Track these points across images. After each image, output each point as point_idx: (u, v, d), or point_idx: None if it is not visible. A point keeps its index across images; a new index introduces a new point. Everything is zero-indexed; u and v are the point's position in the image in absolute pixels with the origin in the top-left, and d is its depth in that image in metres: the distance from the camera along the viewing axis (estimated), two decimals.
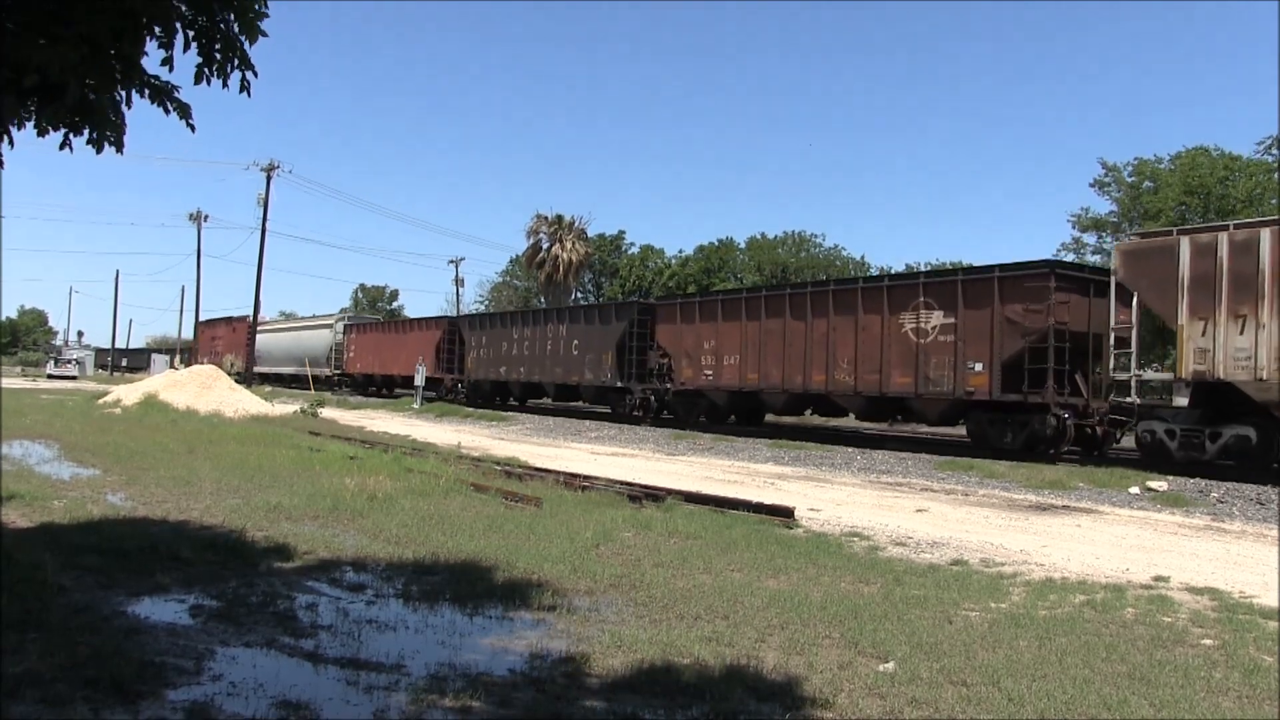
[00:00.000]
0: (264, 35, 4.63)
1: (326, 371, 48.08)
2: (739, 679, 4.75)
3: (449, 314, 55.55)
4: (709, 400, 25.04)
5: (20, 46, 4.15)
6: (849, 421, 26.43)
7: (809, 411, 25.35)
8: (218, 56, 4.53)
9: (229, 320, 64.23)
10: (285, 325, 58.28)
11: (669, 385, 26.15)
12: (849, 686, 4.72)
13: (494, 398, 35.51)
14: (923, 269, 38.97)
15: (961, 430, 23.51)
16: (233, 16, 4.52)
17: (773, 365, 22.33)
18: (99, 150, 4.70)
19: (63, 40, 4.16)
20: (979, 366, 17.96)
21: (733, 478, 15.17)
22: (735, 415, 25.46)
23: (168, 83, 4.73)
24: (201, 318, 68.36)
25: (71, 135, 4.64)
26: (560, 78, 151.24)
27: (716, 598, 6.51)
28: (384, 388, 44.35)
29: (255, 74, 4.67)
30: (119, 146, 4.71)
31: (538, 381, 32.14)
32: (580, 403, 33.65)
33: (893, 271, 39.19)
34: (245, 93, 4.69)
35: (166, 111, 4.71)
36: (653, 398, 27.07)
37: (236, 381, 50.10)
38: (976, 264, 22.43)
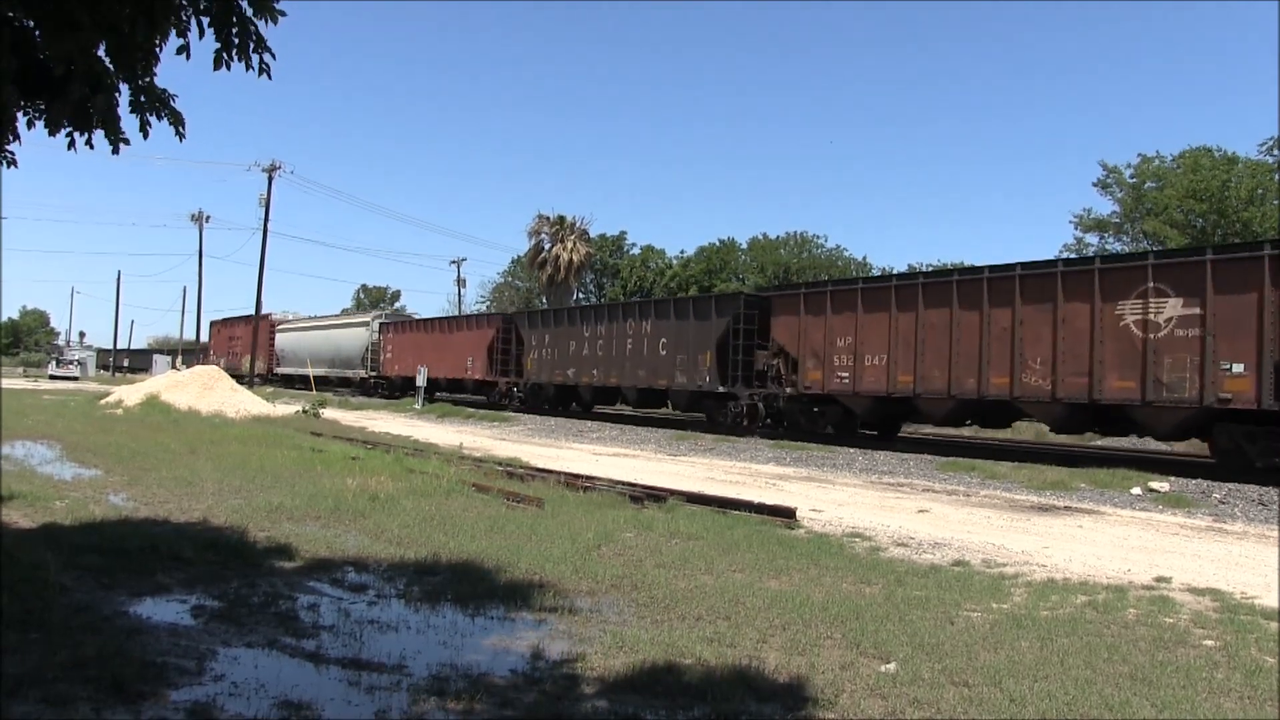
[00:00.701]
0: (283, 15, 4.62)
1: (360, 374, 44.34)
2: (741, 680, 4.75)
3: (503, 310, 50.36)
4: (842, 408, 21.10)
5: (44, 36, 4.16)
6: (1006, 434, 23.44)
7: (969, 423, 21.06)
8: (236, 41, 4.52)
9: (249, 319, 58.86)
10: (313, 324, 53.34)
11: (786, 390, 22.00)
12: (851, 687, 4.72)
13: (558, 404, 31.72)
14: (924, 269, 38.83)
15: (966, 431, 23.05)
16: (250, 6, 4.51)
17: (934, 365, 18.69)
18: (115, 150, 4.71)
19: (84, 29, 4.16)
20: (1239, 368, 14.52)
21: (734, 478, 15.17)
22: (873, 425, 21.75)
23: (164, 90, 4.74)
24: (216, 316, 64.50)
25: (77, 134, 4.65)
26: (562, 78, 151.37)
27: (718, 598, 6.51)
28: (426, 392, 40.91)
29: (274, 56, 4.67)
30: (115, 146, 4.72)
31: (614, 385, 28.19)
32: (667, 409, 29.54)
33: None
34: (266, 75, 4.69)
35: (159, 118, 4.71)
36: (761, 405, 22.95)
37: (260, 384, 48.41)
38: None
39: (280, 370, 53.36)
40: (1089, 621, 6.22)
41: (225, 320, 63.97)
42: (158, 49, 4.54)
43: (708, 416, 25.52)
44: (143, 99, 4.67)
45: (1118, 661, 5.26)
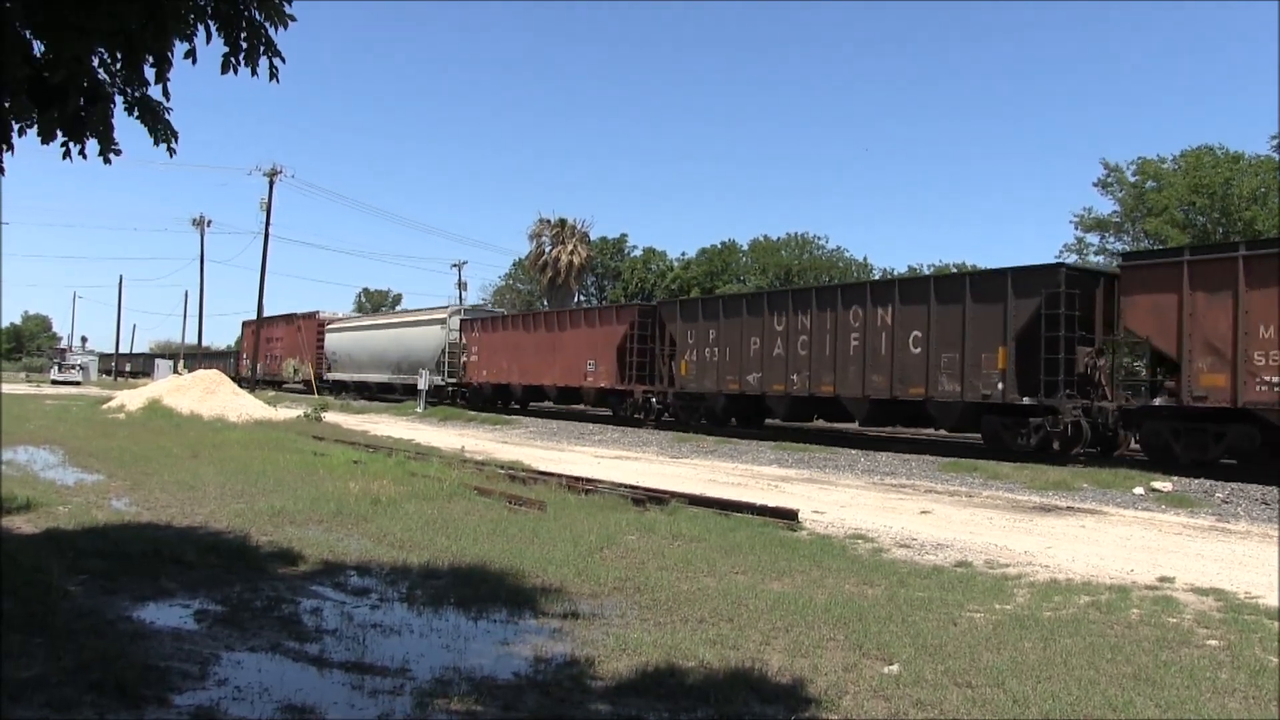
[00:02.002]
0: (293, 19, 4.62)
1: (435, 380, 36.75)
2: (743, 681, 4.75)
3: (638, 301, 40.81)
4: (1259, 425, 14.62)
5: (49, 41, 4.15)
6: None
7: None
8: (244, 45, 4.52)
9: (291, 318, 52.54)
10: (374, 322, 46.18)
11: (1157, 400, 16.02)
12: (854, 689, 4.72)
13: (728, 416, 24.79)
14: (926, 271, 38.79)
15: (963, 434, 22.76)
16: (256, 5, 4.51)
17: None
18: (107, 160, 4.71)
19: (92, 33, 4.15)
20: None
21: (736, 480, 15.16)
22: None
23: (159, 103, 4.74)
24: (264, 313, 54.10)
25: (72, 144, 4.65)
26: (561, 80, 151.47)
27: (721, 600, 6.51)
28: (524, 403, 34.43)
29: (283, 60, 4.66)
30: (107, 156, 4.73)
31: (829, 395, 20.99)
32: (917, 429, 22.72)
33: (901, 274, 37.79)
34: (274, 79, 4.68)
35: (152, 134, 4.70)
36: (1111, 418, 16.85)
37: (307, 390, 45.57)
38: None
39: (332, 376, 46.49)
40: (1092, 622, 6.22)
41: (265, 319, 55.29)
42: (169, 53, 4.53)
43: (992, 438, 18.48)
44: (135, 111, 4.67)
45: (1121, 662, 5.26)
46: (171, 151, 4.84)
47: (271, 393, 44.64)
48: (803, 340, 21.65)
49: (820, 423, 25.00)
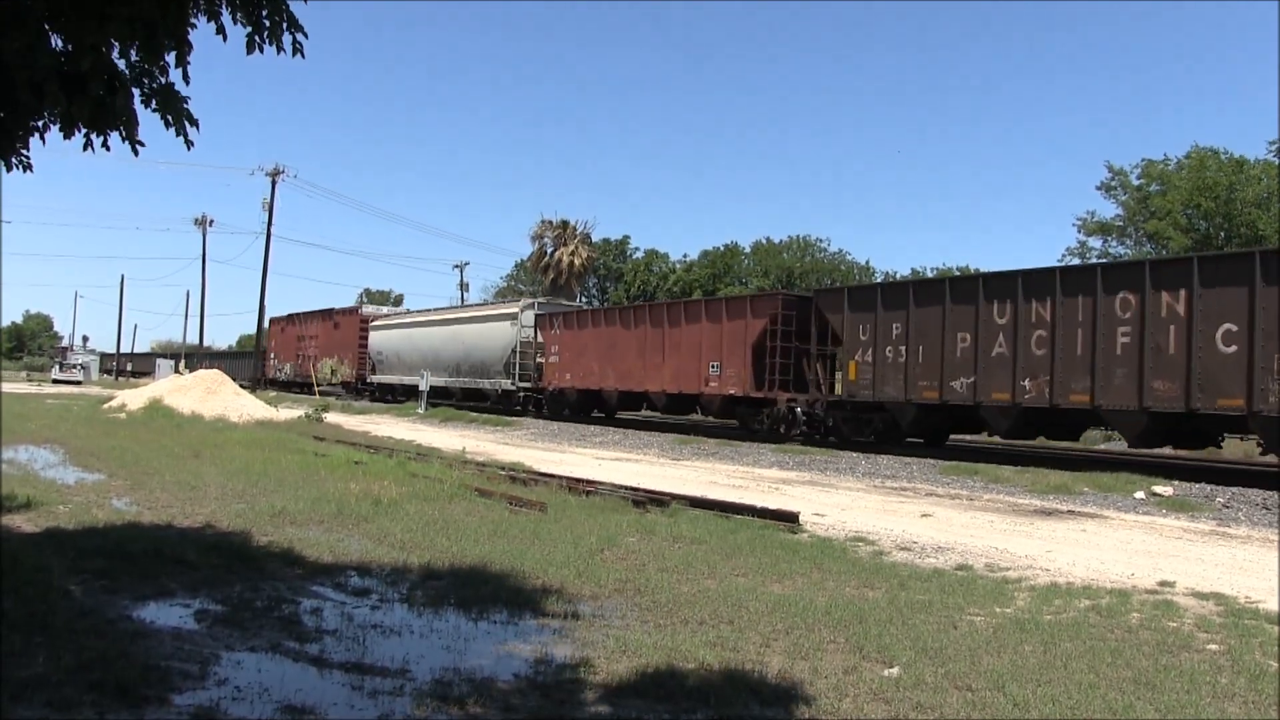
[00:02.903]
0: None
1: (503, 384, 32.41)
2: (744, 684, 4.75)
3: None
4: None
5: (70, 27, 4.16)
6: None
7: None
8: (267, 23, 4.53)
9: (328, 314, 47.36)
10: (429, 318, 39.81)
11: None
12: (854, 691, 4.72)
13: (917, 431, 20.44)
14: (928, 274, 38.74)
15: (962, 436, 22.75)
16: None
17: None
18: (135, 152, 4.72)
19: (113, 19, 4.16)
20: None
21: (737, 482, 15.16)
22: None
23: (178, 91, 4.74)
24: (266, 312, 52.10)
25: (94, 136, 4.65)
26: (564, 82, 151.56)
27: (721, 602, 6.51)
28: (613, 411, 29.58)
29: (305, 35, 4.68)
30: (134, 148, 4.73)
31: (1081, 405, 16.35)
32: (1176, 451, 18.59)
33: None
34: (299, 54, 4.70)
35: (168, 125, 4.70)
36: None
37: (347, 394, 42.20)
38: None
39: (377, 379, 41.51)
40: (1092, 626, 6.22)
41: (293, 316, 51.13)
42: (187, 36, 4.53)
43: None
44: (154, 103, 4.66)
45: (1121, 666, 5.25)
46: (189, 144, 4.83)
47: (316, 397, 40.29)
48: (1038, 335, 16.90)
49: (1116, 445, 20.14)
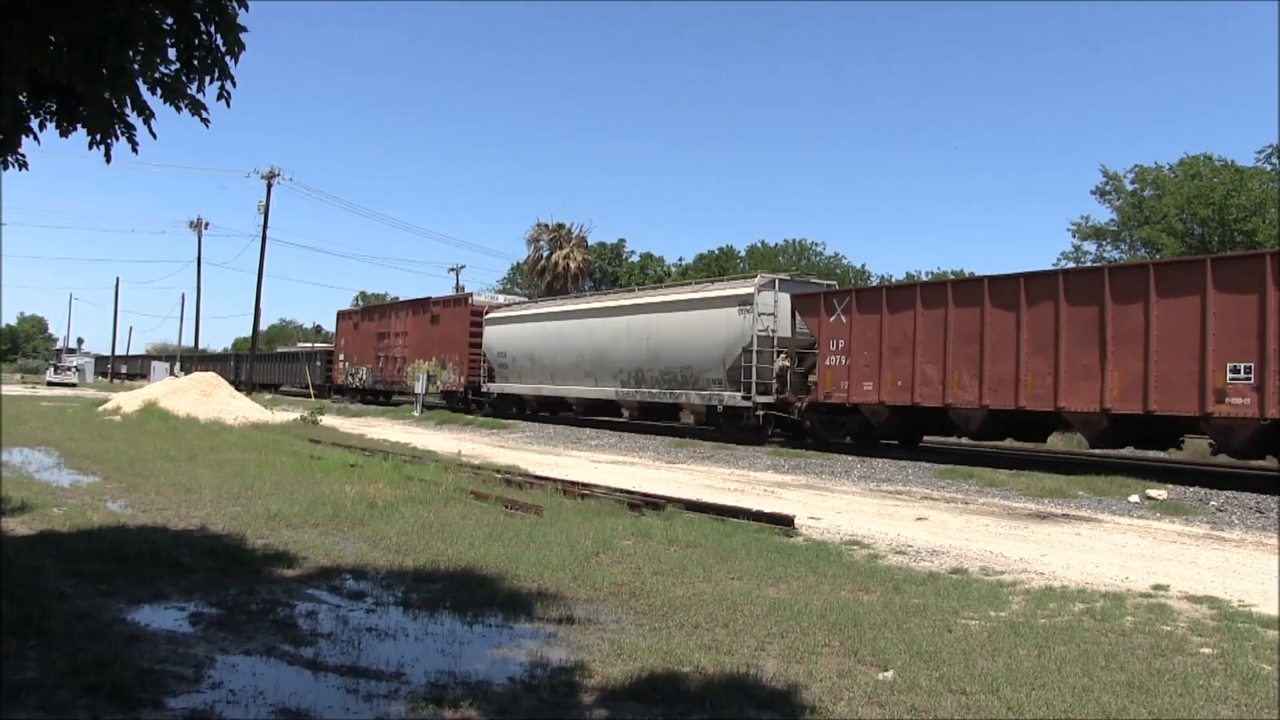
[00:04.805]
0: (243, 49, 4.69)
1: (726, 398, 22.50)
2: (739, 687, 4.75)
3: None
4: None
5: (17, 51, 4.19)
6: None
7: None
8: (196, 65, 4.58)
9: (422, 305, 37.50)
10: (588, 305, 29.49)
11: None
12: (848, 695, 4.73)
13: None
14: (923, 278, 38.75)
15: (965, 440, 22.57)
16: (216, 30, 4.57)
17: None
18: (135, 150, 4.76)
19: (53, 44, 4.20)
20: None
21: (733, 485, 15.17)
22: None
23: (181, 80, 4.77)
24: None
25: (101, 141, 4.69)
26: (560, 85, 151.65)
27: (716, 606, 6.51)
28: (978, 437, 18.67)
29: (234, 84, 4.74)
30: (134, 146, 4.78)
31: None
32: None
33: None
34: (225, 102, 4.77)
35: (178, 109, 4.74)
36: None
37: (460, 406, 33.22)
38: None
39: (497, 388, 32.01)
40: (1087, 629, 6.23)
41: (369, 308, 42.60)
42: (134, 67, 4.58)
43: None
44: (158, 91, 4.69)
45: (1115, 669, 5.27)
46: (205, 122, 4.88)
47: (418, 413, 32.92)
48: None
49: None
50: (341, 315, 46.38)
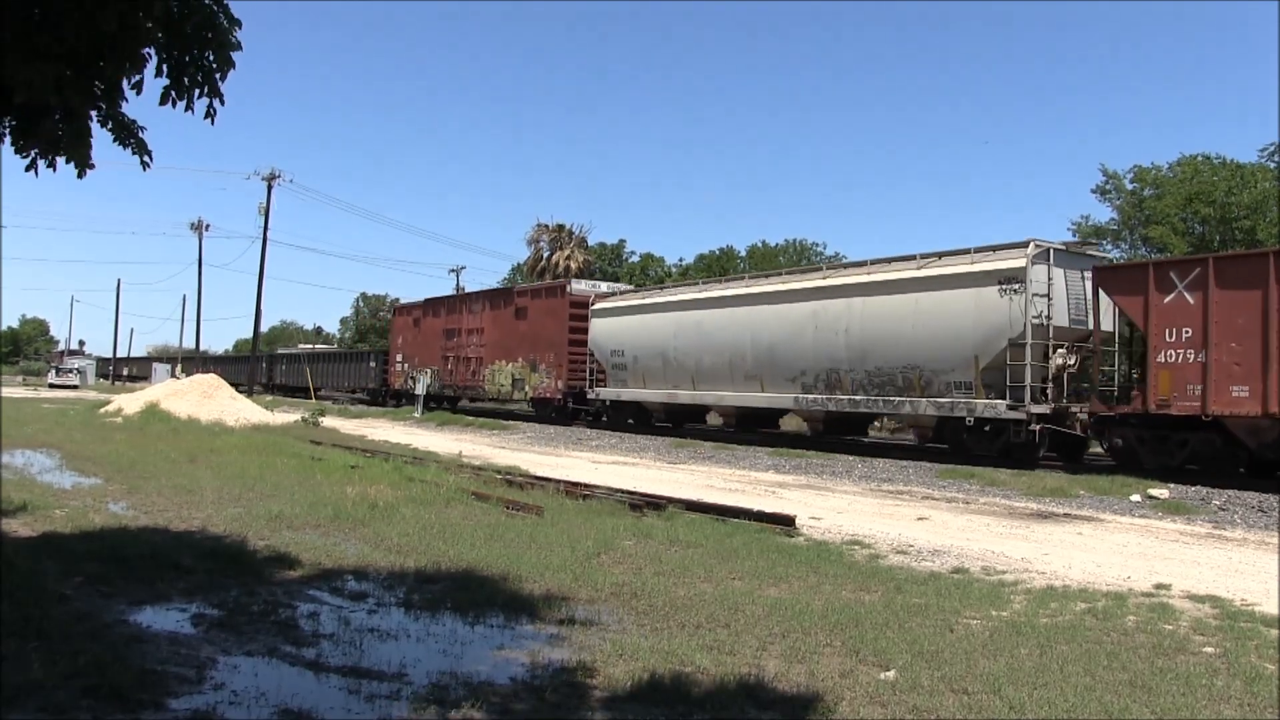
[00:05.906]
0: (232, 67, 4.74)
1: (980, 408, 17.56)
2: (740, 687, 4.75)
3: None
4: None
5: (9, 64, 4.21)
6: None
7: None
8: (186, 82, 4.63)
9: (503, 296, 32.42)
10: (745, 289, 23.53)
11: None
12: (850, 695, 4.72)
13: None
14: None
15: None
16: (209, 52, 4.61)
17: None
18: (81, 174, 4.85)
19: (45, 58, 4.22)
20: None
21: (734, 486, 15.16)
22: None
23: (133, 120, 4.86)
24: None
25: (40, 159, 4.76)
26: (561, 87, 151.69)
27: (718, 606, 6.51)
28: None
29: (223, 102, 4.80)
30: (81, 171, 4.83)
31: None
32: None
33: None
34: (210, 120, 4.84)
35: (124, 146, 4.83)
36: None
37: (555, 418, 28.08)
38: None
39: (611, 393, 26.77)
40: (1088, 629, 6.22)
41: (432, 301, 35.76)
42: (126, 81, 4.63)
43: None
44: (109, 127, 4.77)
45: (1117, 669, 5.26)
46: (145, 165, 5.03)
47: (505, 423, 28.81)
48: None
49: None
50: (399, 310, 40.19)
